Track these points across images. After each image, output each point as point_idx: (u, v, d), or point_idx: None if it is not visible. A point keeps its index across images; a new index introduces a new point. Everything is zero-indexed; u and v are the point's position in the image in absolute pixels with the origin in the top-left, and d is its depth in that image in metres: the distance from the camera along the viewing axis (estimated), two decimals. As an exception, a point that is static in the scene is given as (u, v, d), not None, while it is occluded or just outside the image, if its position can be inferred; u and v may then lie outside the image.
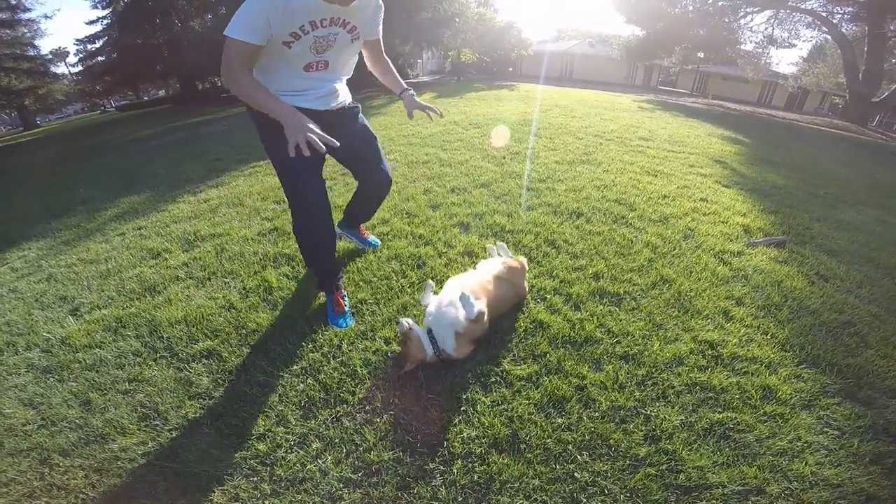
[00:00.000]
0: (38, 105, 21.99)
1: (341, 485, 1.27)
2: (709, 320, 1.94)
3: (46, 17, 20.44)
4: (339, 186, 3.66)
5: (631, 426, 1.43)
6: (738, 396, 1.54)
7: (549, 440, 1.37)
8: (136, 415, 1.54)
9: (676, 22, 18.36)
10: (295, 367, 1.69)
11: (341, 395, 1.56)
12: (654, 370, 1.64)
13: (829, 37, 17.75)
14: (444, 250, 2.48)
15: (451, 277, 1.86)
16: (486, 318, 1.63)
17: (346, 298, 2.00)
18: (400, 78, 2.00)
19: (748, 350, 1.77)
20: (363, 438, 1.40)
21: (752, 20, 18.40)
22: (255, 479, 1.29)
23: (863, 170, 6.42)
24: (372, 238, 2.51)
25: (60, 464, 1.38)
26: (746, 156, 5.60)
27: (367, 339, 1.81)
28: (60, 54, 22.56)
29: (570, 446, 1.36)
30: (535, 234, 2.65)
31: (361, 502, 1.23)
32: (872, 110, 17.05)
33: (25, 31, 18.77)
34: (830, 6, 16.33)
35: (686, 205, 3.22)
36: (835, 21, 16.60)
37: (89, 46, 19.25)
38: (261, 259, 2.49)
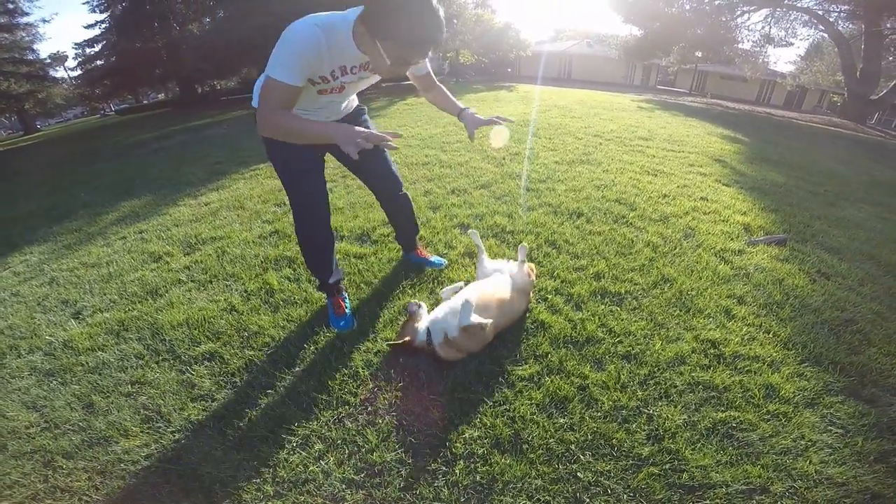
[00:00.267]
0: (37, 109, 22.03)
1: (344, 486, 1.27)
2: (710, 319, 1.94)
3: (45, 21, 20.58)
4: (340, 188, 3.66)
5: (633, 426, 1.43)
6: (740, 395, 1.54)
7: (551, 440, 1.37)
8: (138, 417, 1.54)
9: (673, 21, 18.37)
10: (297, 369, 1.69)
11: (343, 396, 1.56)
12: (656, 369, 1.64)
13: (826, 35, 17.77)
14: (444, 251, 2.48)
15: (473, 283, 1.87)
16: (486, 332, 1.63)
17: (348, 301, 2.00)
18: (455, 98, 1.83)
19: (750, 349, 1.77)
20: (365, 439, 1.40)
21: (748, 19, 18.43)
22: (258, 480, 1.29)
23: (862, 167, 6.42)
24: (435, 258, 2.35)
25: (64, 466, 1.38)
26: (746, 154, 5.61)
27: (368, 340, 1.81)
28: (59, 58, 22.62)
29: (572, 446, 1.36)
30: (535, 234, 2.65)
31: (364, 503, 1.23)
32: (871, 108, 17.04)
33: (24, 35, 18.80)
34: (826, 4, 16.35)
35: (686, 204, 3.22)
36: (831, 19, 16.61)
37: (88, 50, 19.31)
38: (262, 262, 2.49)
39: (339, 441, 1.40)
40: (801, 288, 2.24)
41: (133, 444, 1.44)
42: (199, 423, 1.50)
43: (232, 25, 13.45)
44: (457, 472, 1.29)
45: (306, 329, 1.90)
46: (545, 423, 1.42)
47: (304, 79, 1.37)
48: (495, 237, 2.63)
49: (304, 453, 1.36)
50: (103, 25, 18.64)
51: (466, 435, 1.39)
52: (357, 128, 1.33)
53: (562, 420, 1.44)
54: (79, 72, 20.46)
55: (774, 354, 1.75)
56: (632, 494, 1.23)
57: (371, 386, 1.60)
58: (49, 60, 21.19)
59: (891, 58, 17.96)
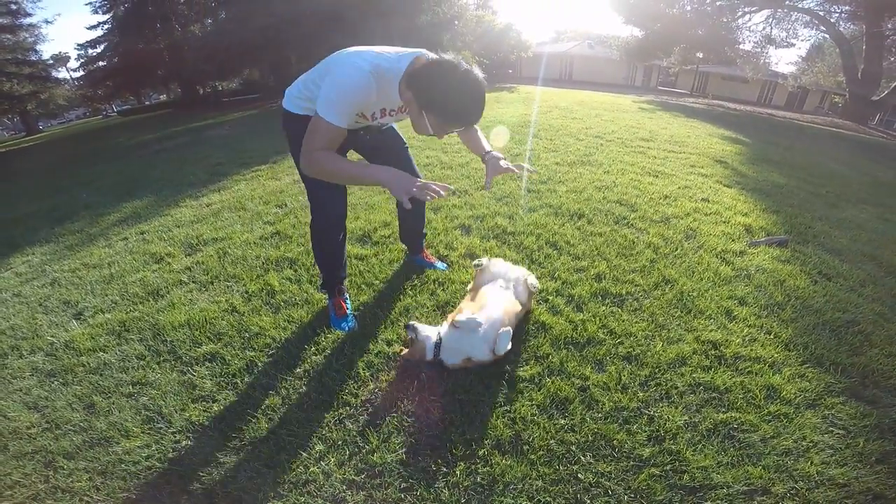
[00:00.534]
0: (40, 110, 22.14)
1: (344, 487, 1.27)
2: (711, 320, 1.93)
3: (47, 22, 20.71)
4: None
5: (634, 427, 1.42)
6: (741, 396, 1.54)
7: (552, 441, 1.37)
8: (139, 418, 1.54)
9: (674, 22, 18.38)
10: (298, 370, 1.69)
11: (344, 397, 1.56)
12: (657, 371, 1.64)
13: (827, 36, 17.76)
14: (445, 252, 2.48)
15: (493, 294, 1.73)
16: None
17: (349, 302, 2.00)
18: (486, 141, 1.80)
19: (751, 350, 1.77)
20: (366, 440, 1.40)
21: (749, 20, 18.43)
22: (259, 481, 1.29)
23: (863, 168, 6.41)
24: (439, 263, 2.35)
25: (65, 467, 1.39)
26: (747, 155, 5.60)
27: (369, 341, 1.81)
28: (62, 59, 22.76)
29: (573, 447, 1.36)
30: (536, 235, 2.65)
31: (365, 504, 1.23)
32: (872, 109, 17.03)
33: (27, 35, 18.89)
34: (828, 5, 16.36)
35: (687, 205, 3.22)
36: (832, 20, 16.62)
37: (90, 51, 19.40)
38: (263, 263, 2.50)
39: (339, 442, 1.40)
40: (802, 289, 2.24)
41: (134, 444, 1.44)
42: (200, 424, 1.50)
43: (234, 27, 13.48)
44: (457, 472, 1.28)
45: (307, 330, 1.90)
46: (546, 424, 1.42)
47: (351, 122, 1.40)
48: (496, 238, 2.63)
49: (304, 454, 1.36)
50: (106, 26, 18.75)
51: (467, 436, 1.39)
52: (411, 177, 1.34)
53: (562, 421, 1.44)
54: (81, 73, 20.58)
55: (776, 355, 1.74)
56: (633, 496, 1.23)
57: (372, 387, 1.60)
58: (51, 61, 21.31)
59: (892, 58, 17.94)
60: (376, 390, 1.58)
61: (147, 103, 24.82)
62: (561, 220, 2.87)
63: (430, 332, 1.62)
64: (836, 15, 16.63)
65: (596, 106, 9.35)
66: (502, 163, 1.69)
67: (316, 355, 1.75)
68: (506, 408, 1.48)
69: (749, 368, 1.67)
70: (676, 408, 1.49)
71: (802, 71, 22.94)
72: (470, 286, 1.96)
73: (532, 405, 1.49)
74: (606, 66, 28.83)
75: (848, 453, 1.36)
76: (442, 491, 1.24)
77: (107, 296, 2.38)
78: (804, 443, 1.38)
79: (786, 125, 11.19)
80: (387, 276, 2.25)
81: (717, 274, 2.29)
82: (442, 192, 1.30)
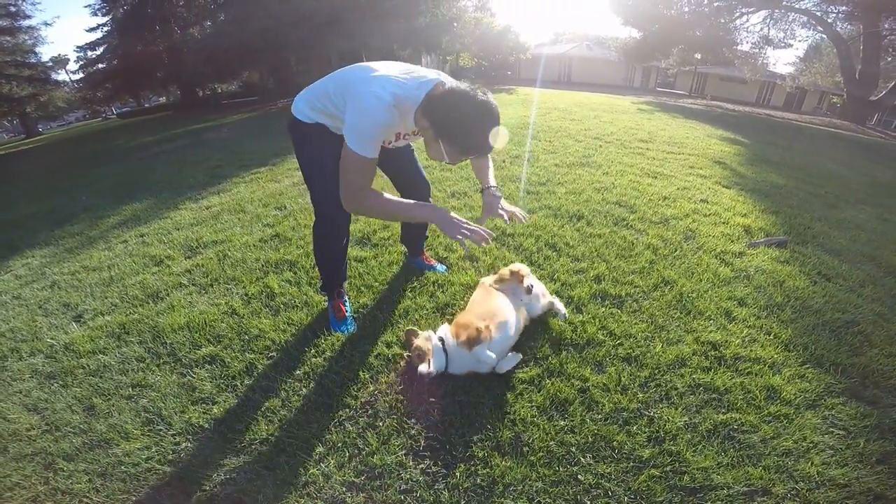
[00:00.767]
0: (39, 112, 22.10)
1: (344, 489, 1.27)
2: (711, 321, 1.93)
3: (47, 24, 20.57)
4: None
5: (634, 428, 1.42)
6: (741, 397, 1.54)
7: (551, 443, 1.37)
8: (139, 420, 1.54)
9: (672, 23, 18.44)
10: (297, 372, 1.69)
11: (343, 399, 1.56)
12: (656, 372, 1.64)
13: (824, 36, 17.81)
14: (444, 254, 2.48)
15: (512, 314, 1.67)
16: None
17: (348, 304, 2.00)
18: (492, 174, 1.80)
19: (751, 350, 1.77)
20: (366, 442, 1.40)
21: (747, 20, 18.53)
22: (258, 483, 1.29)
23: (862, 168, 6.43)
24: (438, 265, 2.35)
25: (64, 468, 1.38)
26: (746, 156, 5.61)
27: (368, 343, 1.81)
28: (61, 61, 22.75)
29: (573, 448, 1.36)
30: (535, 237, 2.65)
31: (365, 506, 1.23)
32: (870, 109, 17.07)
33: (26, 38, 18.89)
34: (825, 5, 16.41)
35: (686, 206, 3.22)
36: (829, 20, 16.66)
37: (90, 53, 19.36)
38: (263, 265, 2.50)
39: (339, 444, 1.40)
40: (801, 290, 2.24)
41: (134, 446, 1.44)
42: (199, 426, 1.50)
43: (233, 29, 13.47)
44: (457, 474, 1.28)
45: (307, 332, 1.90)
46: (546, 426, 1.42)
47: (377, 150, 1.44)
48: (495, 240, 2.63)
49: (304, 456, 1.36)
50: (105, 28, 18.72)
51: (467, 437, 1.39)
52: (462, 220, 1.40)
53: (562, 422, 1.44)
54: (80, 75, 20.56)
55: (775, 356, 1.75)
56: (633, 497, 1.23)
57: (371, 389, 1.60)
58: (51, 63, 21.30)
59: (889, 59, 17.98)
60: (376, 392, 1.58)
61: (146, 105, 24.81)
62: (560, 222, 2.87)
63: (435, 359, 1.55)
64: (834, 15, 16.69)
65: (595, 107, 9.37)
66: (503, 203, 1.73)
67: (315, 357, 1.75)
68: (505, 409, 1.48)
69: (749, 369, 1.67)
70: (676, 409, 1.49)
71: (800, 71, 23.01)
72: (491, 280, 1.86)
73: (532, 406, 1.49)
74: (605, 67, 28.89)
75: (848, 454, 1.36)
76: (442, 492, 1.24)
77: (106, 298, 2.38)
78: (804, 443, 1.38)
79: (784, 126, 11.22)
80: (386, 279, 2.25)
81: (717, 275, 2.29)
82: (490, 241, 1.40)
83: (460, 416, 1.46)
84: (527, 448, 1.36)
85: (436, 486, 1.26)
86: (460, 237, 1.36)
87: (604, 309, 1.98)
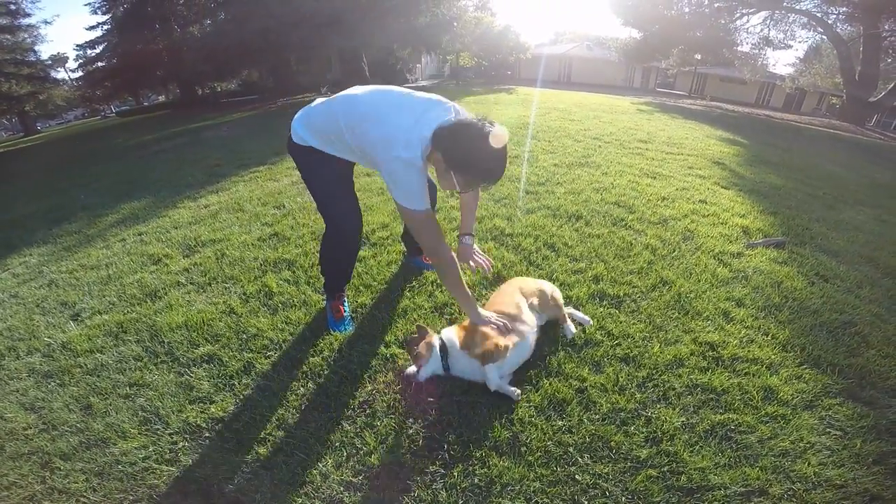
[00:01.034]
0: (38, 110, 22.08)
1: (342, 488, 1.27)
2: (709, 322, 1.94)
3: (46, 22, 20.59)
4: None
5: (632, 428, 1.43)
6: (739, 397, 1.54)
7: (549, 443, 1.37)
8: (136, 419, 1.54)
9: (673, 24, 18.44)
10: (295, 372, 1.69)
11: (342, 398, 1.56)
12: (654, 372, 1.64)
13: (824, 37, 17.82)
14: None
15: (531, 329, 1.66)
16: None
17: (347, 304, 2.00)
18: (474, 216, 1.92)
19: (749, 351, 1.77)
20: (363, 442, 1.40)
21: (747, 21, 18.49)
22: (256, 482, 1.29)
23: (861, 170, 6.44)
24: None
25: (61, 467, 1.38)
26: (745, 157, 5.62)
27: (366, 342, 1.81)
28: (60, 60, 22.68)
29: (570, 449, 1.36)
30: (534, 237, 2.65)
31: (363, 506, 1.23)
32: (869, 110, 17.10)
33: (25, 36, 18.83)
34: (825, 7, 16.41)
35: (685, 206, 3.22)
36: (830, 22, 16.67)
37: (89, 52, 19.32)
38: (261, 264, 2.49)
39: (337, 443, 1.40)
40: (799, 290, 2.24)
41: (131, 445, 1.44)
42: (197, 426, 1.50)
43: (233, 28, 13.45)
44: (455, 474, 1.28)
45: (305, 331, 1.90)
46: (543, 426, 1.42)
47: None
48: (494, 240, 2.63)
49: (302, 456, 1.36)
50: (105, 27, 18.69)
51: (465, 437, 1.39)
52: (489, 315, 1.58)
53: (560, 422, 1.44)
54: (80, 73, 20.51)
55: (773, 357, 1.75)
56: (630, 497, 1.23)
57: (369, 388, 1.60)
58: (50, 62, 21.24)
59: (889, 60, 18.01)
60: (374, 392, 1.58)
61: (145, 104, 24.77)
62: (559, 222, 2.87)
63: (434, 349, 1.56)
64: (834, 16, 16.70)
65: (594, 107, 9.37)
66: (475, 250, 1.88)
67: (314, 357, 1.75)
68: (503, 409, 1.48)
69: (746, 370, 1.67)
70: (674, 409, 1.49)
71: (800, 72, 23.03)
72: (513, 287, 1.81)
73: (529, 406, 1.49)
74: (605, 67, 28.88)
75: (845, 454, 1.36)
76: (440, 492, 1.24)
77: (104, 297, 2.38)
78: (801, 444, 1.39)
79: (783, 126, 11.23)
80: (385, 278, 2.25)
81: (715, 275, 2.30)
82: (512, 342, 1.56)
83: (458, 415, 1.46)
84: (524, 448, 1.36)
85: (434, 486, 1.26)
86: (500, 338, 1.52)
87: (602, 309, 1.98)
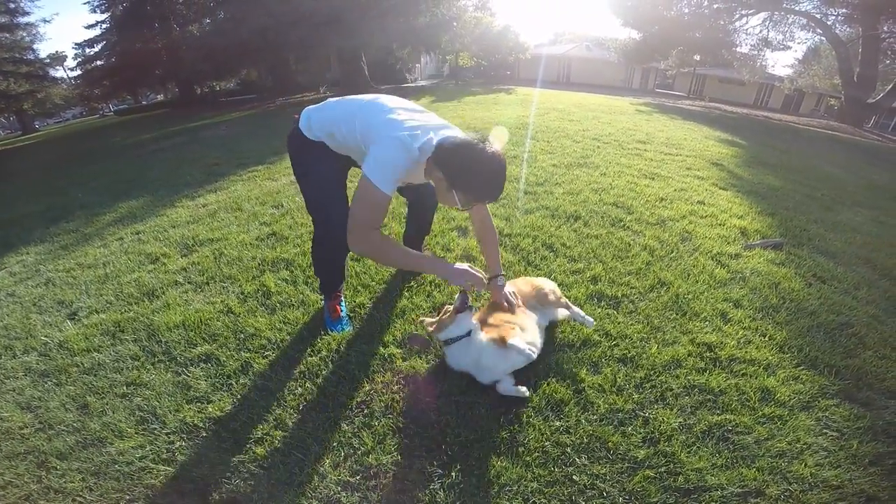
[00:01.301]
0: (36, 109, 22.00)
1: (339, 488, 1.26)
2: (707, 323, 1.94)
3: (45, 21, 20.49)
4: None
5: (629, 429, 1.43)
6: (736, 398, 1.54)
7: (547, 443, 1.37)
8: (133, 419, 1.54)
9: (672, 25, 18.46)
10: (293, 371, 1.68)
11: (339, 398, 1.55)
12: (652, 373, 1.65)
13: (823, 39, 17.85)
14: (442, 254, 2.48)
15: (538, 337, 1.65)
16: None
17: (344, 304, 2.00)
18: (498, 255, 1.79)
19: (746, 352, 1.77)
20: (361, 442, 1.39)
21: (746, 22, 18.49)
22: (253, 482, 1.29)
23: (859, 171, 6.45)
24: None
25: (58, 467, 1.38)
26: (743, 158, 5.63)
27: (364, 342, 1.81)
28: (59, 58, 22.55)
29: (568, 449, 1.36)
30: (532, 237, 2.65)
31: (360, 506, 1.23)
32: (868, 112, 17.15)
33: (24, 34, 18.76)
34: (824, 8, 16.43)
35: (683, 207, 3.23)
36: (829, 23, 16.70)
37: (88, 51, 19.29)
38: (259, 264, 2.49)
39: (334, 443, 1.40)
40: (797, 292, 2.25)
41: (128, 445, 1.44)
42: (194, 425, 1.49)
43: (232, 27, 13.44)
44: (452, 474, 1.28)
45: (303, 331, 1.90)
46: (541, 426, 1.42)
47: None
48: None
49: (299, 456, 1.36)
50: (104, 26, 18.65)
51: (462, 437, 1.39)
52: (466, 267, 1.52)
53: (557, 423, 1.44)
54: (78, 72, 20.44)
55: (770, 358, 1.75)
56: (627, 497, 1.23)
57: (367, 388, 1.60)
58: (48, 60, 21.15)
59: (888, 61, 18.05)
60: (371, 392, 1.58)
61: (144, 103, 24.72)
62: (557, 223, 2.88)
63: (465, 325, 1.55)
64: (833, 18, 16.72)
65: (593, 108, 9.37)
66: (507, 289, 1.70)
67: (311, 356, 1.75)
68: (501, 409, 1.48)
69: (744, 371, 1.67)
70: (671, 410, 1.49)
71: (799, 74, 23.05)
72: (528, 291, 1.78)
73: (527, 407, 1.49)
74: (604, 68, 28.92)
75: (842, 455, 1.36)
76: (437, 493, 1.24)
77: (101, 296, 2.37)
78: (798, 445, 1.39)
79: (782, 128, 11.25)
80: (383, 278, 2.25)
81: (713, 276, 2.30)
82: (483, 287, 1.54)
83: (456, 416, 1.46)
84: (522, 448, 1.36)
85: (431, 486, 1.26)
86: (463, 283, 1.50)
87: (600, 310, 1.99)
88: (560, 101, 10.44)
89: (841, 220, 3.54)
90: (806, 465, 1.32)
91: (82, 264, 2.84)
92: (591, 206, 3.17)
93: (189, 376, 1.70)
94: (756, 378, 1.64)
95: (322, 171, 1.69)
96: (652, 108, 11.48)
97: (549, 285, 1.82)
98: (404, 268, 1.62)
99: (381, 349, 1.76)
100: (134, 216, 3.73)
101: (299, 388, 1.60)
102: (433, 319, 1.61)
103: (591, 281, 2.21)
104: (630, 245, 2.60)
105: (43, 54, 20.57)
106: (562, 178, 3.82)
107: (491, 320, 1.60)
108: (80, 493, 1.30)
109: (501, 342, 1.48)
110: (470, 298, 1.59)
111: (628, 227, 2.85)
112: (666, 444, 1.37)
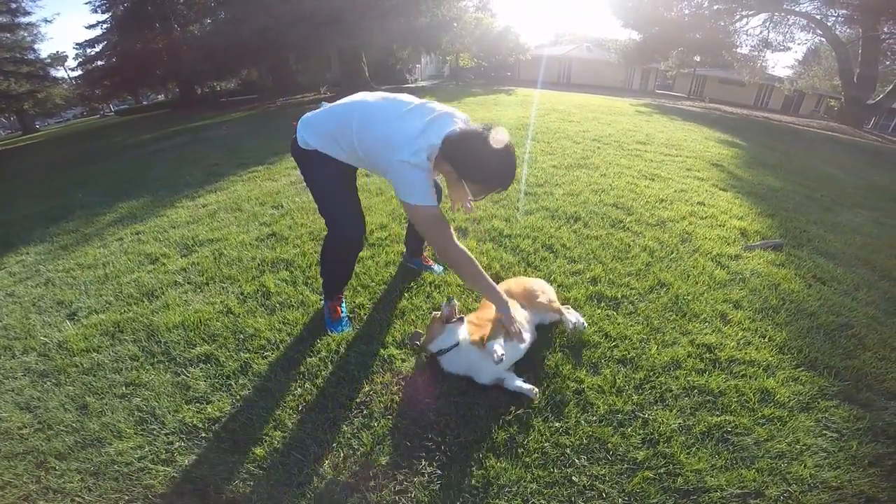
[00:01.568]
0: (37, 109, 22.00)
1: (339, 489, 1.26)
2: (706, 324, 1.94)
3: (46, 21, 20.49)
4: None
5: (629, 430, 1.43)
6: (735, 399, 1.54)
7: (546, 444, 1.37)
8: (132, 419, 1.54)
9: (672, 25, 18.46)
10: (293, 372, 1.68)
11: (339, 399, 1.55)
12: (651, 374, 1.64)
13: (823, 39, 17.85)
14: (442, 254, 2.48)
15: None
16: None
17: (344, 305, 2.00)
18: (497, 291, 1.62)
19: (746, 353, 1.77)
20: (361, 442, 1.39)
21: (747, 23, 18.48)
22: (252, 483, 1.29)
23: (859, 172, 6.45)
24: (437, 266, 2.32)
25: (57, 467, 1.38)
26: (743, 159, 5.62)
27: (364, 343, 1.81)
28: (60, 58, 22.57)
29: (567, 450, 1.36)
30: (532, 238, 2.65)
31: (359, 507, 1.23)
32: (868, 113, 17.14)
33: (25, 34, 18.76)
34: (824, 9, 16.41)
35: (683, 208, 3.23)
36: (829, 24, 16.69)
37: (89, 51, 19.31)
38: (259, 264, 2.49)
39: (334, 444, 1.39)
40: (796, 293, 2.24)
41: (127, 445, 1.43)
42: (193, 426, 1.49)
43: (232, 27, 13.44)
44: (452, 475, 1.28)
45: (302, 332, 1.90)
46: (541, 427, 1.42)
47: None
48: (493, 241, 2.63)
49: (298, 456, 1.36)
50: (105, 26, 18.67)
51: (462, 438, 1.39)
52: (513, 318, 1.51)
53: (557, 424, 1.44)
54: (79, 72, 20.46)
55: (770, 359, 1.75)
56: (627, 499, 1.23)
57: (367, 389, 1.59)
58: (49, 60, 21.15)
59: (888, 62, 18.04)
60: (371, 392, 1.58)
61: (145, 103, 24.73)
62: (557, 223, 2.88)
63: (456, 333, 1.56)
64: (833, 19, 16.70)
65: (594, 109, 9.37)
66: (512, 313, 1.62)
67: (311, 357, 1.75)
68: (501, 410, 1.48)
69: (743, 372, 1.67)
70: (671, 411, 1.49)
71: (799, 74, 23.05)
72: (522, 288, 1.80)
73: (527, 408, 1.49)
74: (604, 69, 28.91)
75: (841, 456, 1.36)
76: (437, 493, 1.24)
77: (101, 296, 2.37)
78: (798, 446, 1.39)
79: (782, 129, 11.25)
80: (383, 279, 2.25)
81: (713, 277, 2.30)
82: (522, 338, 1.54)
83: (456, 416, 1.46)
84: (522, 449, 1.36)
85: (430, 487, 1.26)
86: (512, 330, 1.50)
87: (600, 311, 1.99)
88: (560, 102, 10.44)
89: (841, 222, 3.54)
90: (805, 466, 1.32)
91: (82, 264, 2.84)
92: (591, 207, 3.17)
93: (188, 377, 1.70)
94: (756, 379, 1.64)
95: (325, 176, 1.69)
96: (652, 108, 11.48)
97: (539, 286, 1.82)
98: (469, 285, 1.75)
99: (381, 350, 1.76)
100: (134, 216, 3.73)
101: (299, 389, 1.60)
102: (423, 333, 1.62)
103: (590, 282, 2.21)
104: (630, 246, 2.60)
105: (44, 54, 20.59)
106: (562, 179, 3.82)
107: (475, 319, 1.63)
108: (79, 494, 1.30)
109: (481, 343, 1.50)
110: (455, 308, 1.59)
111: (628, 228, 2.85)
112: (665, 445, 1.37)
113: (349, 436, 1.42)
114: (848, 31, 17.11)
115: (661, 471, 1.30)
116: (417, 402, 1.53)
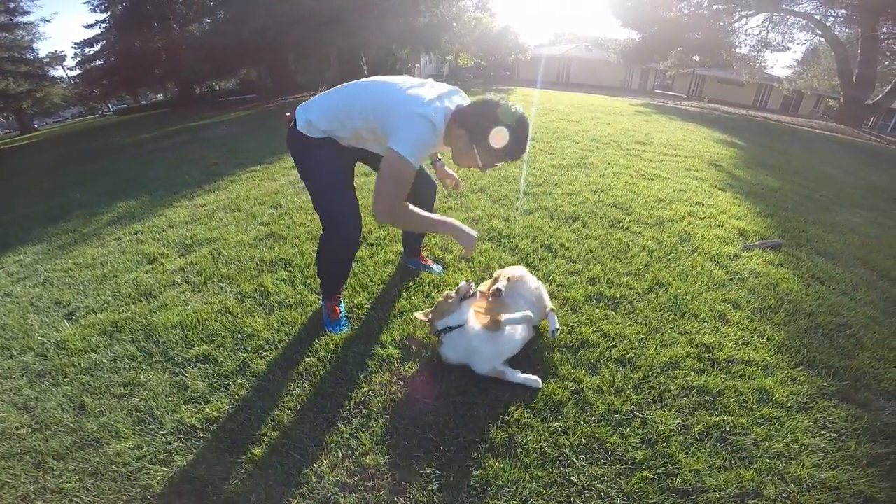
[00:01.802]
0: (35, 109, 21.95)
1: (337, 489, 1.26)
2: (705, 324, 1.94)
3: (45, 20, 20.46)
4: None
5: (627, 430, 1.43)
6: (734, 399, 1.54)
7: (545, 444, 1.37)
8: (130, 419, 1.53)
9: (672, 25, 18.47)
10: (291, 372, 1.68)
11: (337, 399, 1.55)
12: (650, 374, 1.64)
13: (822, 40, 17.87)
14: (440, 255, 2.48)
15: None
16: None
17: (343, 305, 1.99)
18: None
19: (744, 353, 1.77)
20: (359, 443, 1.39)
21: (746, 23, 18.49)
22: (251, 483, 1.29)
23: (858, 172, 6.46)
24: (436, 266, 2.32)
25: (55, 467, 1.37)
26: (742, 159, 5.63)
27: (362, 343, 1.80)
28: (58, 58, 22.51)
29: (566, 450, 1.36)
30: (531, 238, 2.65)
31: (357, 507, 1.22)
32: (867, 113, 17.17)
33: (24, 34, 18.72)
34: (824, 9, 16.42)
35: (682, 208, 3.23)
36: (828, 24, 16.70)
37: (87, 50, 19.27)
38: (257, 264, 2.49)
39: (332, 444, 1.39)
40: (795, 292, 2.25)
41: (125, 445, 1.43)
42: (191, 426, 1.49)
43: (231, 27, 13.42)
44: (451, 475, 1.28)
45: (301, 332, 1.89)
46: (539, 427, 1.42)
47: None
48: (492, 241, 2.63)
49: (297, 456, 1.35)
50: (103, 25, 18.64)
51: (460, 438, 1.39)
52: (472, 237, 1.54)
53: (556, 424, 1.44)
54: (78, 71, 20.42)
55: (768, 359, 1.75)
56: (625, 499, 1.23)
57: (365, 389, 1.59)
58: (48, 60, 21.11)
59: (887, 62, 18.07)
60: (370, 392, 1.58)
61: (143, 103, 24.69)
62: (556, 223, 2.88)
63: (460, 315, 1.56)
64: (832, 19, 16.71)
65: (593, 108, 9.38)
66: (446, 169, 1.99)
67: (309, 357, 1.74)
68: (499, 410, 1.48)
69: (742, 372, 1.67)
70: (669, 411, 1.49)
71: (798, 75, 23.05)
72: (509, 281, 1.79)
73: (526, 408, 1.49)
74: (604, 68, 28.90)
75: (839, 456, 1.36)
76: (435, 493, 1.24)
77: (99, 296, 2.37)
78: (796, 446, 1.39)
79: (781, 129, 11.26)
80: (381, 278, 2.25)
81: (711, 277, 2.30)
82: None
83: (454, 416, 1.46)
84: (520, 449, 1.36)
85: (429, 488, 1.26)
86: (469, 250, 1.55)
87: (598, 311, 1.99)
88: (559, 102, 10.44)
89: (839, 221, 3.54)
90: (804, 466, 1.32)
91: (80, 264, 2.83)
92: (589, 206, 3.17)
93: (186, 377, 1.70)
94: (754, 379, 1.64)
95: (327, 172, 1.66)
96: (651, 108, 11.48)
97: (536, 282, 1.84)
98: (424, 229, 1.74)
99: (380, 350, 1.76)
100: (132, 216, 3.72)
101: (297, 389, 1.60)
102: (428, 310, 1.64)
103: (589, 282, 2.21)
104: (629, 246, 2.60)
105: (42, 54, 20.57)
106: (561, 178, 3.82)
107: (477, 308, 1.63)
108: (77, 494, 1.29)
109: (495, 325, 1.52)
110: (473, 286, 1.60)
111: (627, 228, 2.85)
112: (664, 445, 1.37)
113: (347, 436, 1.42)
114: (847, 31, 17.13)
115: (660, 471, 1.30)
116: (416, 402, 1.52)
